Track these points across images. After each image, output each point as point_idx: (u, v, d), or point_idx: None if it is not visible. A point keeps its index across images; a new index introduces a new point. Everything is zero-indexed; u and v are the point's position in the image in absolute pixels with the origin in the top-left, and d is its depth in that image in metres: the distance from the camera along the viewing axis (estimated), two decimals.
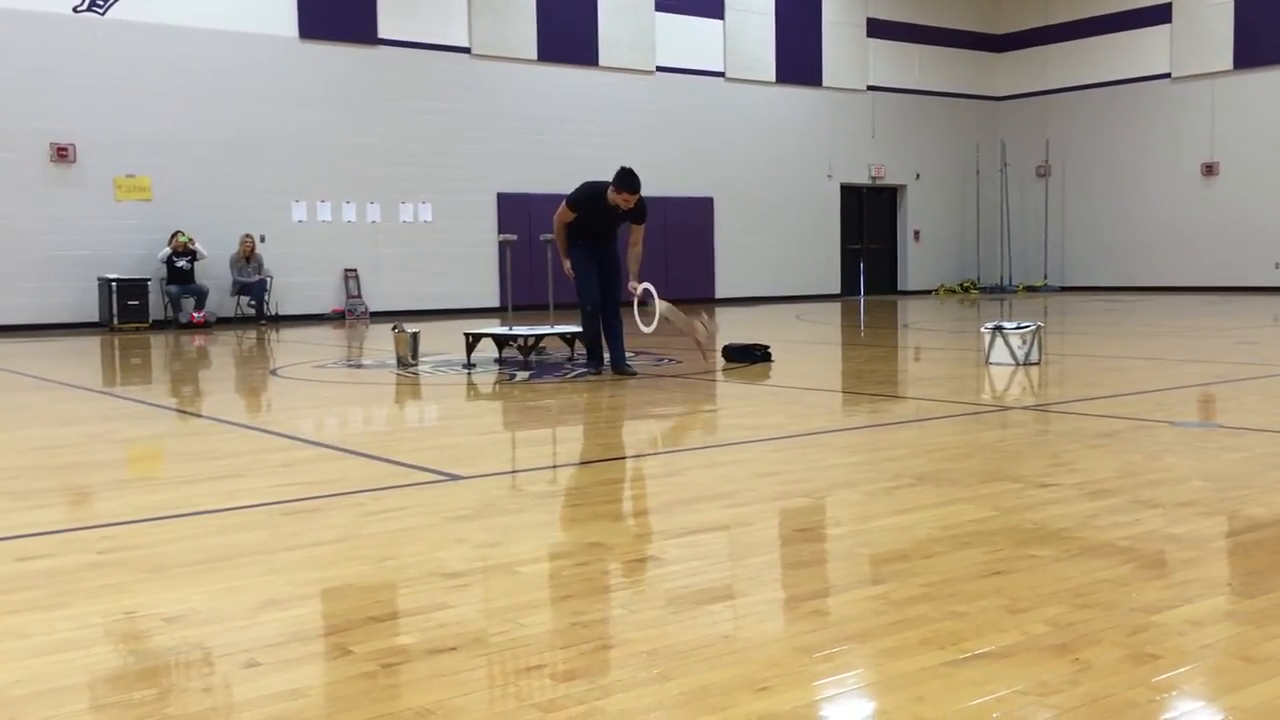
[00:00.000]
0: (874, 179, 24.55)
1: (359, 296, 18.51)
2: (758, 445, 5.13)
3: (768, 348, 9.20)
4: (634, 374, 8.20)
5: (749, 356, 9.01)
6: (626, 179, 7.87)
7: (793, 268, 23.23)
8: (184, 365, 11.13)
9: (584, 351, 9.16)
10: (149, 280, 16.56)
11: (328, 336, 14.58)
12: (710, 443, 5.28)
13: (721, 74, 22.17)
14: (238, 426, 6.17)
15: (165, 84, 17.01)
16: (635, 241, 8.26)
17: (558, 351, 10.03)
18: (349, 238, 18.56)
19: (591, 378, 8.18)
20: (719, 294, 22.24)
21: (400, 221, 19.09)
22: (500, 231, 18.97)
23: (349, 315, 18.25)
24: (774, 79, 22.79)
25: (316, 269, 18.32)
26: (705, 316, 8.57)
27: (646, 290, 8.26)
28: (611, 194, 7.93)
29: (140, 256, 16.91)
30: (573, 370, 8.69)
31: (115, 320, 16.16)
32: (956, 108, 25.58)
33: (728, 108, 22.25)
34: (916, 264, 25.35)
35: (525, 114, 19.94)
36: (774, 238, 22.98)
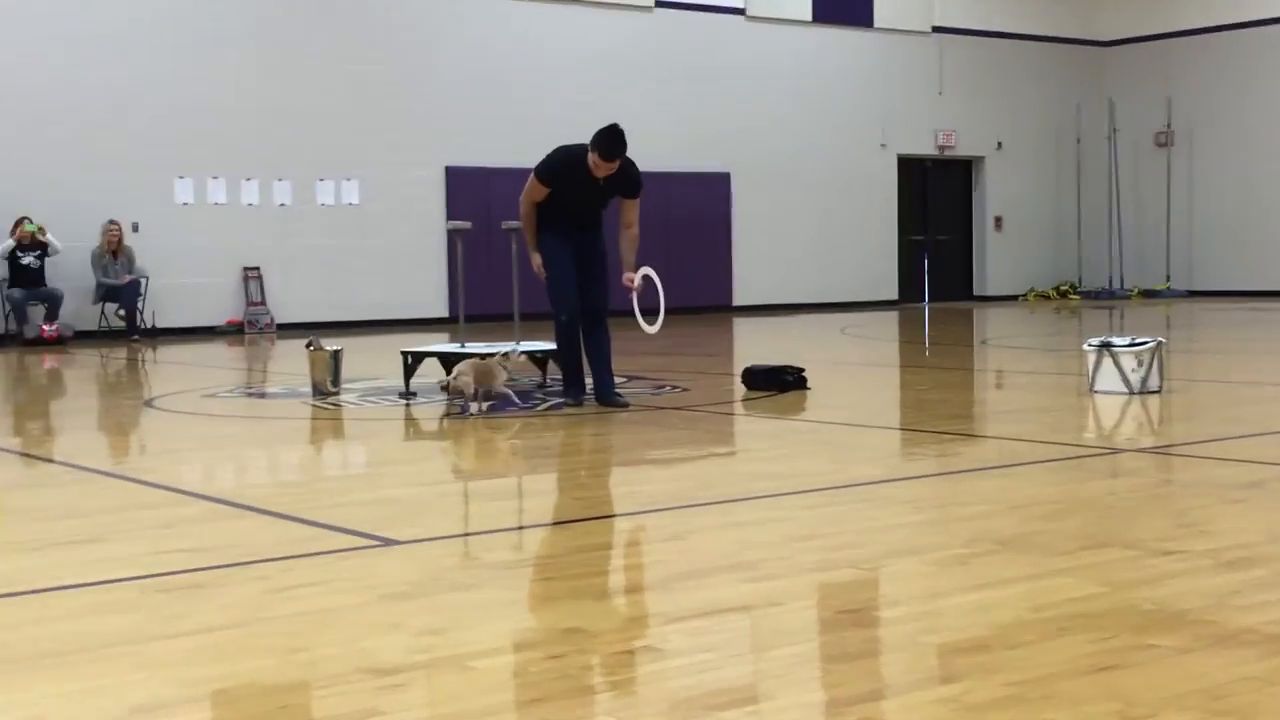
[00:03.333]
0: (942, 149, 24.64)
1: (263, 304, 18.50)
2: (789, 500, 5.17)
3: (801, 371, 9.21)
4: (625, 405, 8.21)
5: (777, 383, 9.00)
6: (607, 140, 7.87)
7: (835, 266, 23.29)
8: (30, 394, 11.07)
9: (559, 376, 9.16)
10: None
11: (221, 356, 14.53)
12: (726, 496, 5.30)
13: (741, 11, 22.27)
14: (101, 475, 6.16)
15: (5, 32, 17.03)
16: (629, 222, 8.27)
17: (526, 376, 10.03)
18: (250, 226, 18.57)
19: (570, 410, 8.19)
20: (738, 300, 22.27)
21: (318, 204, 19.09)
22: (449, 218, 18.97)
23: (249, 328, 18.25)
24: (810, 17, 22.89)
25: (206, 267, 18.34)
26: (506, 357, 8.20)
27: (647, 278, 8.23)
28: (593, 159, 7.95)
29: None
30: (545, 401, 8.69)
31: None
32: (1051, 56, 25.71)
33: (749, 56, 22.35)
34: (998, 261, 25.43)
35: (484, 65, 20.01)
36: (810, 227, 23.03)
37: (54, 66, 17.25)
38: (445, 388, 8.40)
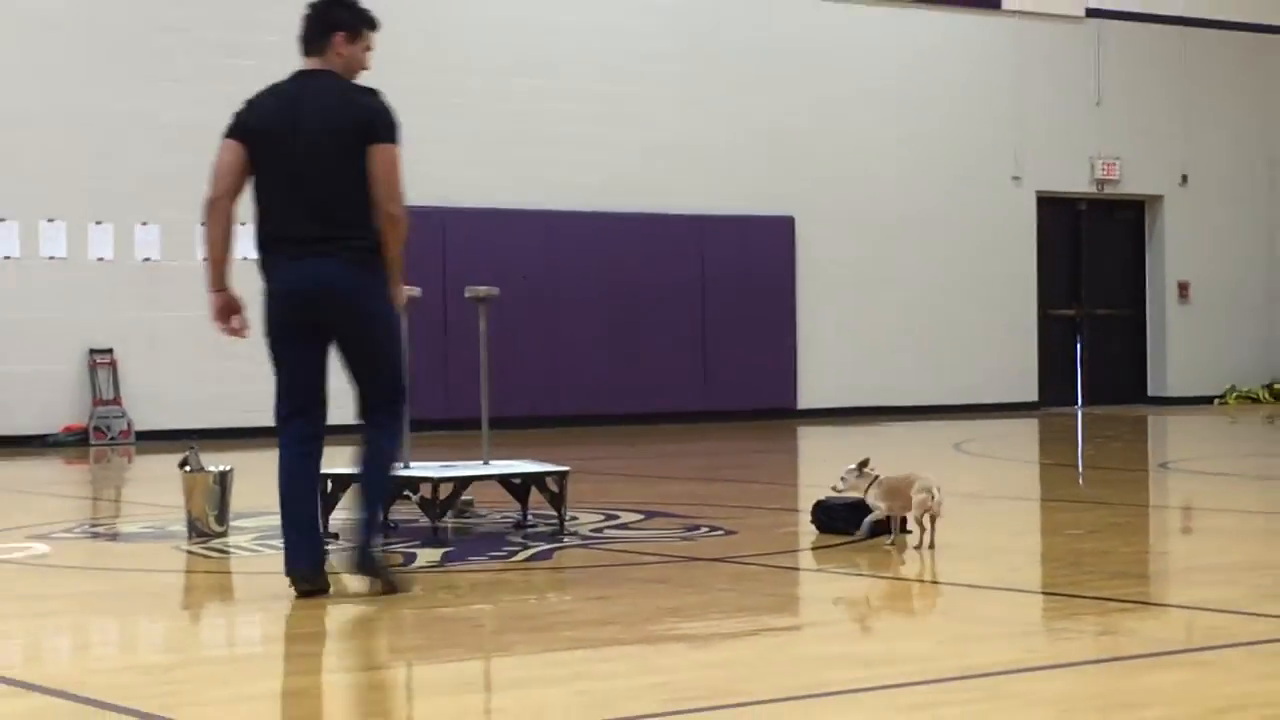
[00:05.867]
0: (1101, 184, 24.66)
1: (117, 402, 18.49)
2: (879, 697, 5.12)
3: None
4: (391, 585, 7.23)
5: (862, 524, 8.98)
6: (327, 12, 7.35)
7: (946, 354, 23.21)
8: None
9: (551, 512, 9.27)
10: None
11: (55, 478, 14.48)
12: (788, 690, 5.27)
13: None
14: None
15: None
16: (378, 194, 7.16)
17: (496, 510, 10.02)
18: (100, 291, 18.57)
19: (505, 565, 8.13)
20: (804, 401, 22.20)
21: (199, 260, 19.06)
22: None
23: (97, 438, 18.25)
24: None
25: (35, 351, 18.36)
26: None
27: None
28: (312, 64, 7.37)
29: None
30: (525, 546, 8.72)
31: None
32: (1256, 49, 25.78)
33: (823, 51, 22.46)
34: (1184, 347, 25.32)
35: (435, 60, 20.13)
36: (910, 296, 22.99)
37: None
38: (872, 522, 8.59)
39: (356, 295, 7.27)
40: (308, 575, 7.08)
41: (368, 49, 7.44)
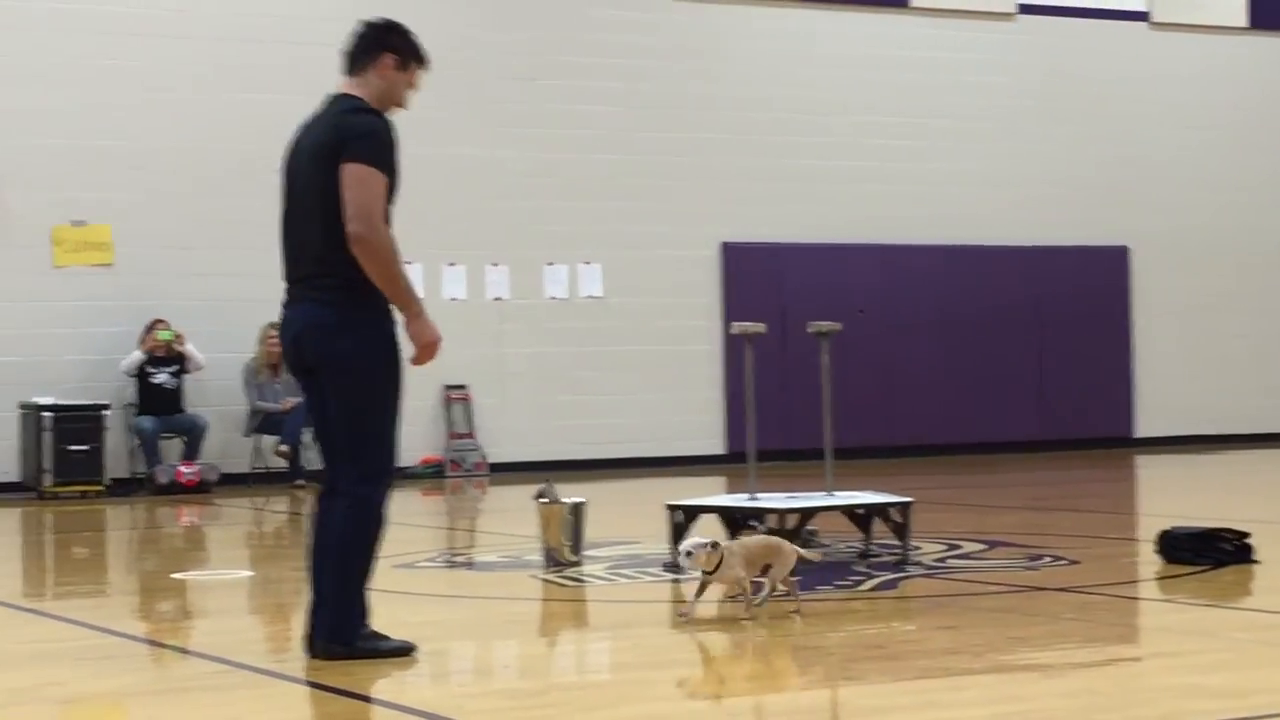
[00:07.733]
0: None
1: (470, 436, 18.86)
2: None
3: (1244, 536, 8.99)
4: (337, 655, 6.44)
5: (1209, 553, 8.81)
6: (382, 33, 6.86)
7: None
8: (161, 559, 11.49)
9: (894, 541, 9.26)
10: (107, 408, 17.17)
11: (416, 509, 14.81)
12: None
13: (1144, 15, 22.09)
14: (261, 675, 6.35)
15: (133, 70, 17.86)
16: (345, 215, 6.56)
17: (840, 539, 9.97)
18: (454, 329, 18.79)
19: (839, 597, 8.06)
20: (1142, 429, 21.77)
21: (546, 298, 19.41)
22: (728, 313, 19.10)
23: (453, 470, 18.63)
24: (1245, 22, 22.52)
25: None
26: None
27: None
28: (344, 86, 6.91)
29: (94, 365, 17.60)
30: (870, 576, 8.69)
31: (48, 480, 16.69)
32: None
33: (1154, 80, 22.06)
34: None
35: (770, 98, 20.18)
36: (1250, 323, 22.38)
37: (194, 123, 17.96)
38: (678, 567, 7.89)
39: (316, 340, 6.64)
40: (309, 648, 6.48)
41: (411, 85, 6.97)
